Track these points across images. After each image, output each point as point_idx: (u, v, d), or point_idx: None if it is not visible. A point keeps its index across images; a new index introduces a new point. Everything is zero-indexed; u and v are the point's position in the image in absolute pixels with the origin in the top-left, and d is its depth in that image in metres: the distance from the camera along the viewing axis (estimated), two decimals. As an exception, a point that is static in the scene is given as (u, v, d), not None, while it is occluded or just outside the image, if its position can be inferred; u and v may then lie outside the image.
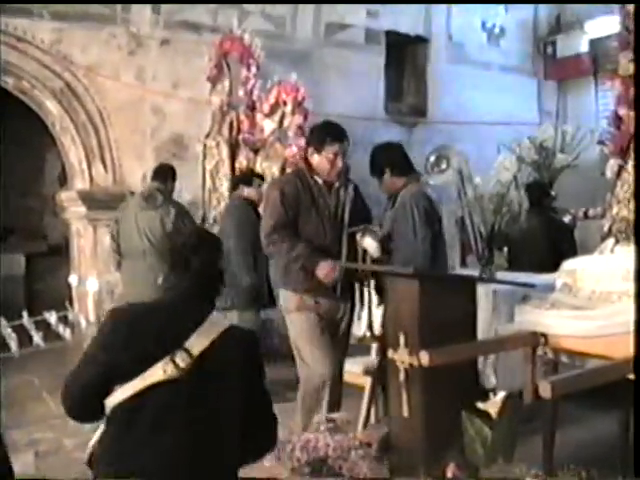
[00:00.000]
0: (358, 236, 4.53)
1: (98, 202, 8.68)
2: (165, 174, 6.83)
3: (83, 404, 2.65)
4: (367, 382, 5.26)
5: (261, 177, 6.99)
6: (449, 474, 3.12)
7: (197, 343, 2.58)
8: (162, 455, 2.50)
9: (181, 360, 2.54)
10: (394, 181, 4.97)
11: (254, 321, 6.21)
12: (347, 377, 5.56)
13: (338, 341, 4.70)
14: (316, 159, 4.56)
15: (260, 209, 5.87)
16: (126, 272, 6.68)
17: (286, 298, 4.69)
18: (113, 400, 2.56)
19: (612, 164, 4.26)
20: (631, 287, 3.61)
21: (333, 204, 4.61)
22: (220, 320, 2.74)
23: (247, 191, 6.62)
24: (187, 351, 2.56)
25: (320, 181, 4.59)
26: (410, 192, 4.84)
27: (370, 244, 4.50)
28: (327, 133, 4.60)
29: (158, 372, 2.53)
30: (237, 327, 2.83)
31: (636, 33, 3.91)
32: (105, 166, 8.84)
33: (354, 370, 5.48)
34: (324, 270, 4.36)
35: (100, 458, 2.61)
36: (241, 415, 2.66)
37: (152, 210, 6.49)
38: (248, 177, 6.92)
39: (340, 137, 4.59)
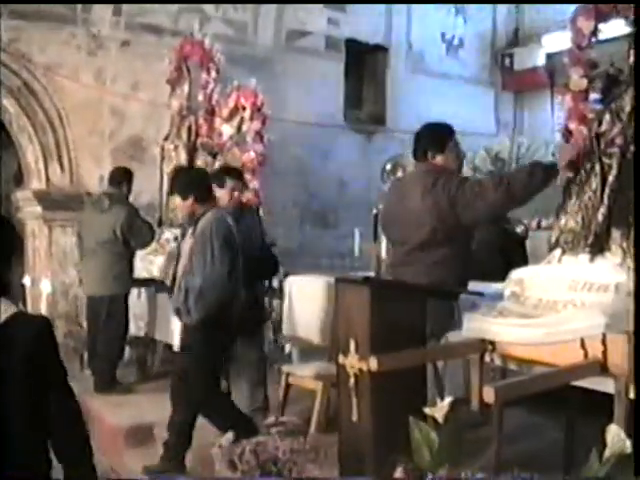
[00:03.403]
0: None
1: (54, 202, 8.67)
2: (120, 178, 7.25)
3: None
4: (319, 386, 5.32)
5: (237, 176, 5.99)
6: (397, 477, 3.17)
7: None
8: None
9: None
10: (195, 207, 5.09)
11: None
12: (299, 381, 5.64)
13: None
14: (442, 159, 4.64)
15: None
16: (83, 267, 7.44)
17: None
18: None
19: (561, 177, 4.35)
20: (576, 296, 3.70)
21: None
22: (6, 308, 2.60)
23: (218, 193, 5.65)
24: None
25: None
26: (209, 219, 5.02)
27: None
28: (444, 134, 4.74)
29: None
30: (25, 313, 2.77)
31: (636, 34, 3.97)
32: (62, 166, 8.80)
33: (306, 374, 5.55)
34: None
35: None
36: (37, 409, 2.59)
37: (99, 213, 7.13)
38: (219, 174, 5.95)
39: (453, 130, 4.78)
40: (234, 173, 6.00)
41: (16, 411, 2.54)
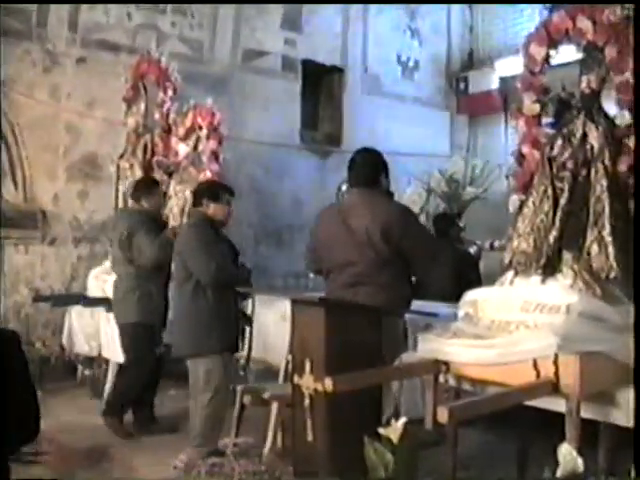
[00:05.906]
0: None
1: (7, 220, 8.52)
2: (138, 191, 6.91)
3: None
4: (273, 407, 5.31)
5: (231, 191, 5.86)
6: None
7: None
8: None
9: None
10: None
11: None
12: (254, 401, 5.61)
13: None
14: (384, 183, 4.88)
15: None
16: None
17: None
18: None
19: (514, 199, 4.42)
20: (528, 317, 3.76)
21: None
22: None
23: (213, 208, 5.64)
24: None
25: None
26: None
27: None
28: (384, 159, 4.96)
29: None
30: None
31: (635, 34, 4.02)
32: (16, 184, 8.67)
33: (261, 395, 5.53)
34: None
35: None
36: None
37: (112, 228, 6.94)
38: (215, 189, 5.84)
39: None
40: (228, 188, 5.86)
41: None
